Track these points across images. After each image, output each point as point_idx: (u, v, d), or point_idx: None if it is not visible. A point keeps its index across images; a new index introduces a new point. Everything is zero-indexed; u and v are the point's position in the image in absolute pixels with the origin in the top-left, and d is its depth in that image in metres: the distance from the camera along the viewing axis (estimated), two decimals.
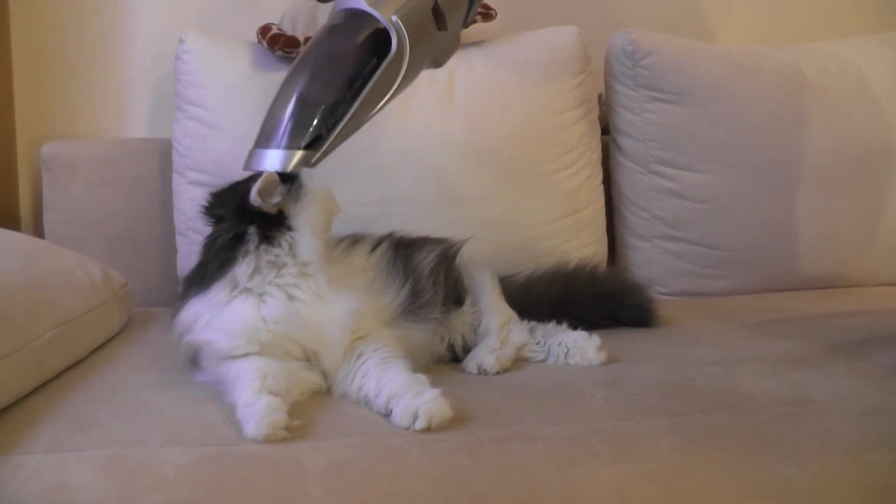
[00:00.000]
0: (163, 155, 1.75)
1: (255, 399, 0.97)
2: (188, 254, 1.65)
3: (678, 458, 0.95)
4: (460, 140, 1.64)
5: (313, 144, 1.12)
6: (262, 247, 1.10)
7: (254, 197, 1.09)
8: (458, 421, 0.99)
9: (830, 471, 0.95)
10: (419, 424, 0.97)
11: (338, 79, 1.15)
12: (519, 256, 1.60)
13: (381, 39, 1.17)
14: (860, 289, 1.80)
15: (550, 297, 1.42)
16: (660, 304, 1.52)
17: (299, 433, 0.96)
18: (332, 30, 1.21)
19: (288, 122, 1.14)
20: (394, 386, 1.02)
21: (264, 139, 1.15)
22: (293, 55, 1.63)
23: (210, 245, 1.16)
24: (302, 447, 0.94)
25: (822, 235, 1.78)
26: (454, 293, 1.31)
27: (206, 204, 1.18)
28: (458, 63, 1.69)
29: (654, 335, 1.44)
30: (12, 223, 1.79)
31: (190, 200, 1.63)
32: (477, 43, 1.76)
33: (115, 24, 1.89)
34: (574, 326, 1.31)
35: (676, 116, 1.75)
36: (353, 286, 1.15)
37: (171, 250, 1.71)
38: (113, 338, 1.42)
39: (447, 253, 1.32)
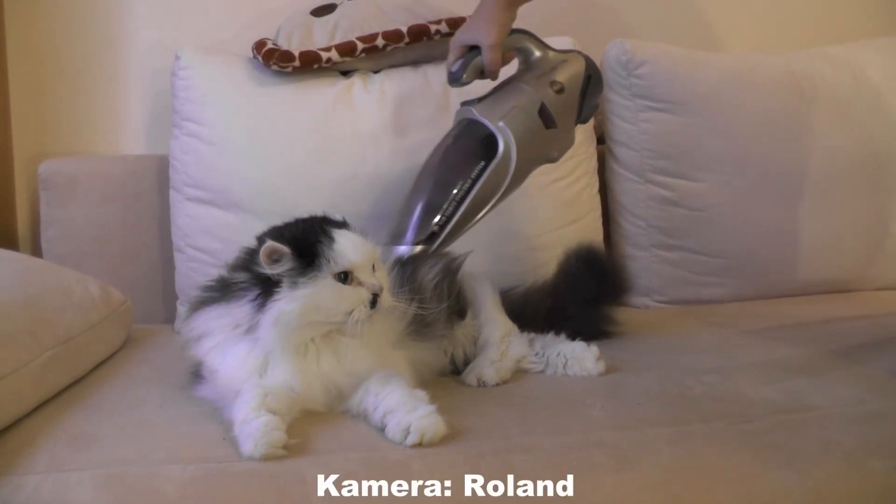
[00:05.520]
0: (160, 171, 1.75)
1: (253, 416, 0.97)
2: (186, 270, 1.65)
3: (679, 468, 0.95)
4: None
5: (430, 239, 1.32)
6: (257, 301, 1.05)
7: (261, 255, 1.05)
8: (458, 433, 0.99)
9: (831, 478, 0.95)
10: (410, 440, 0.97)
11: (451, 183, 1.32)
12: (517, 267, 1.60)
13: (493, 143, 1.32)
14: (859, 293, 1.80)
15: (548, 308, 1.42)
16: (659, 312, 1.53)
17: (300, 448, 0.96)
18: (453, 142, 1.38)
19: (413, 229, 1.32)
20: (390, 401, 1.02)
21: (393, 238, 1.34)
22: (288, 70, 1.64)
23: (235, 262, 1.13)
24: (303, 462, 0.94)
25: (822, 241, 1.78)
26: (456, 306, 1.31)
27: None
28: None
29: (653, 344, 1.44)
30: (10, 242, 1.79)
31: (187, 217, 1.64)
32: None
33: (111, 41, 1.90)
34: (573, 337, 1.31)
35: (671, 125, 1.76)
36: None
37: (169, 267, 1.70)
38: (113, 355, 1.41)
39: (450, 267, 1.32)
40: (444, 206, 1.30)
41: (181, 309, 1.65)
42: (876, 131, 1.82)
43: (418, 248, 1.29)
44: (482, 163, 1.31)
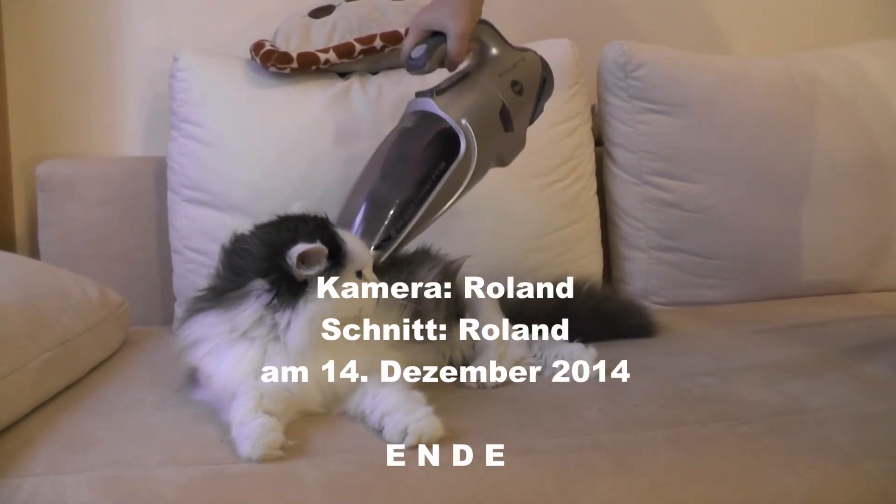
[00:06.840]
0: (159, 173, 1.75)
1: (250, 418, 0.97)
2: (184, 272, 1.65)
3: (676, 470, 0.95)
4: None
5: (382, 245, 1.19)
6: (272, 304, 1.05)
7: (293, 258, 1.03)
8: (456, 435, 0.99)
9: (828, 479, 0.95)
10: (408, 442, 0.96)
11: (407, 181, 1.21)
12: (514, 269, 1.59)
13: (448, 139, 1.21)
14: (859, 295, 1.79)
15: (547, 312, 1.41)
16: (657, 313, 1.53)
17: (297, 449, 0.96)
18: (404, 133, 1.27)
19: (360, 225, 1.20)
20: (387, 403, 1.02)
21: None
22: (286, 71, 1.64)
23: (225, 263, 1.12)
24: (300, 464, 0.94)
25: (821, 243, 1.78)
26: (454, 309, 1.31)
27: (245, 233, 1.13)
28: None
29: (651, 346, 1.44)
30: (8, 244, 1.79)
31: (185, 218, 1.64)
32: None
33: (109, 43, 1.90)
34: (571, 339, 1.31)
35: (669, 127, 1.76)
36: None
37: (167, 268, 1.70)
38: (110, 357, 1.41)
39: (448, 270, 1.32)
40: (402, 206, 1.20)
41: (179, 311, 1.65)
42: (876, 133, 1.82)
43: (371, 252, 1.16)
44: (443, 163, 1.21)
